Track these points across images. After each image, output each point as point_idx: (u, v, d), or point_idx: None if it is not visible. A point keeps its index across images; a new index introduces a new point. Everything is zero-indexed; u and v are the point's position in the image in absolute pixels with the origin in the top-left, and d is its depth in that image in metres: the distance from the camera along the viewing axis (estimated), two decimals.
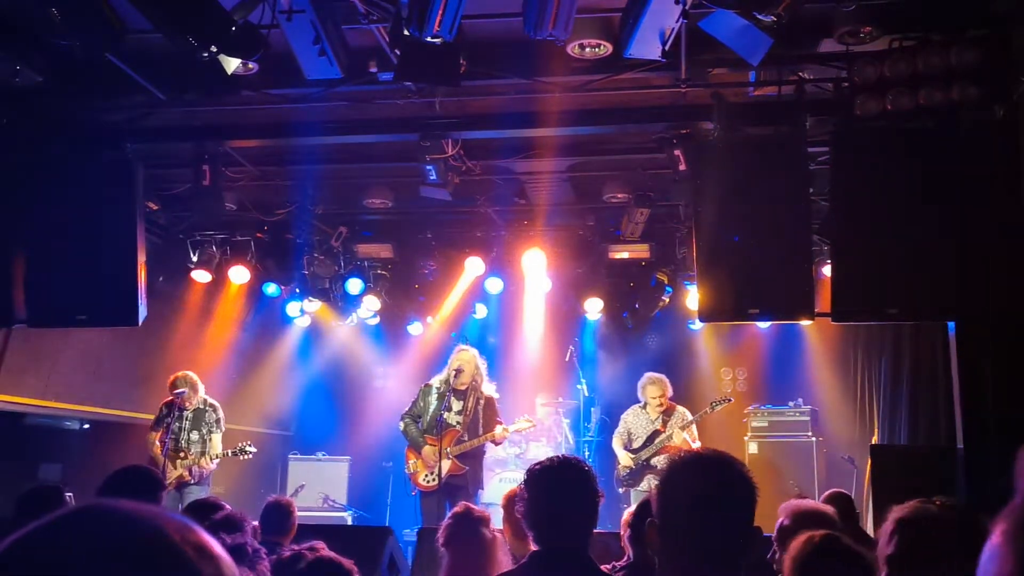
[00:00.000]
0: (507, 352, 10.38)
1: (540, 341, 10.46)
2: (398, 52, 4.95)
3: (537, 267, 9.01)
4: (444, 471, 7.35)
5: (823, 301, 5.69)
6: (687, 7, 4.44)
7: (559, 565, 2.80)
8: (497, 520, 4.35)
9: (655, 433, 8.28)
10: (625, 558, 3.90)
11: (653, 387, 8.35)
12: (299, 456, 10.48)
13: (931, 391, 7.51)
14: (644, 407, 8.44)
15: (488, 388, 7.81)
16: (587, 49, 5.34)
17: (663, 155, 6.28)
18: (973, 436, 5.16)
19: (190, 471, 7.39)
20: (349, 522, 9.75)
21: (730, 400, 8.71)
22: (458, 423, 7.58)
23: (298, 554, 3.21)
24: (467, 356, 7.73)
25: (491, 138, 6.69)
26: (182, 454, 7.43)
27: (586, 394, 10.03)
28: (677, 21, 4.56)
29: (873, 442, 8.64)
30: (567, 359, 10.14)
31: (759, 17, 4.26)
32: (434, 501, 7.38)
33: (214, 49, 4.45)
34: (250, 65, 5.32)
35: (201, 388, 7.72)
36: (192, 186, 6.69)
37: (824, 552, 2.32)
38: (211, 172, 6.53)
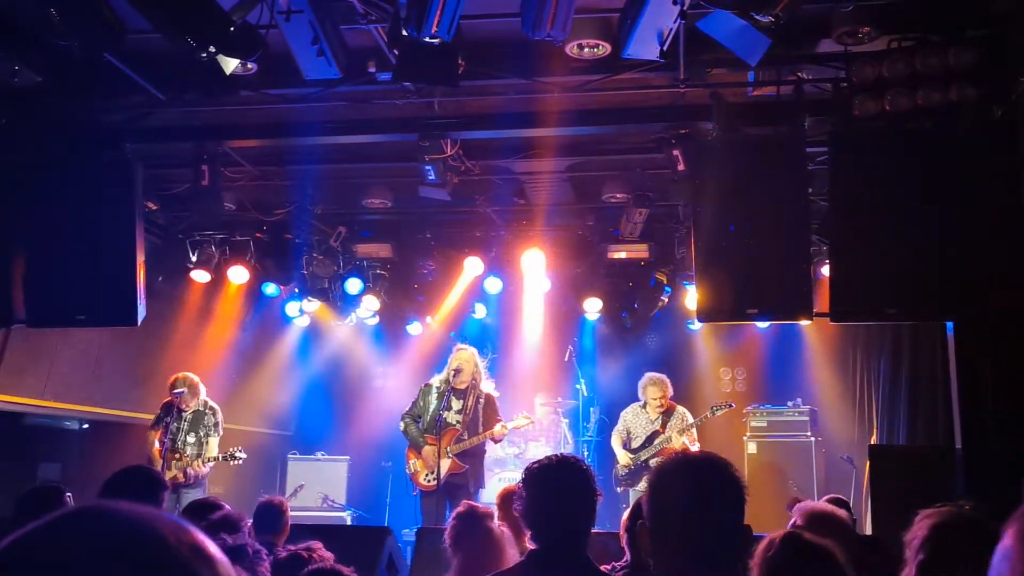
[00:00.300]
0: (506, 352, 10.37)
1: (539, 341, 10.47)
2: (397, 52, 4.95)
3: (536, 267, 9.01)
4: (444, 470, 7.36)
5: (822, 301, 5.69)
6: (685, 8, 4.44)
7: (557, 564, 2.81)
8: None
9: (654, 434, 8.29)
10: (625, 559, 3.90)
11: (654, 388, 8.34)
12: (298, 456, 10.48)
13: (930, 391, 7.52)
14: (644, 406, 8.44)
15: (487, 386, 7.81)
16: (586, 49, 5.34)
17: (662, 155, 6.28)
18: (972, 436, 5.16)
19: (184, 473, 7.38)
20: (348, 522, 9.75)
21: (731, 406, 8.65)
22: (458, 422, 7.59)
23: (295, 555, 3.21)
24: (466, 356, 7.73)
25: (490, 138, 6.69)
26: (177, 455, 7.43)
27: (585, 394, 10.04)
28: (675, 21, 4.56)
29: (872, 442, 8.64)
30: (566, 359, 10.15)
31: (757, 18, 4.26)
32: (434, 501, 7.38)
33: (213, 49, 4.45)
34: (249, 65, 5.32)
35: (202, 391, 7.72)
36: (191, 186, 6.69)
37: (789, 552, 2.31)
38: (210, 172, 6.53)
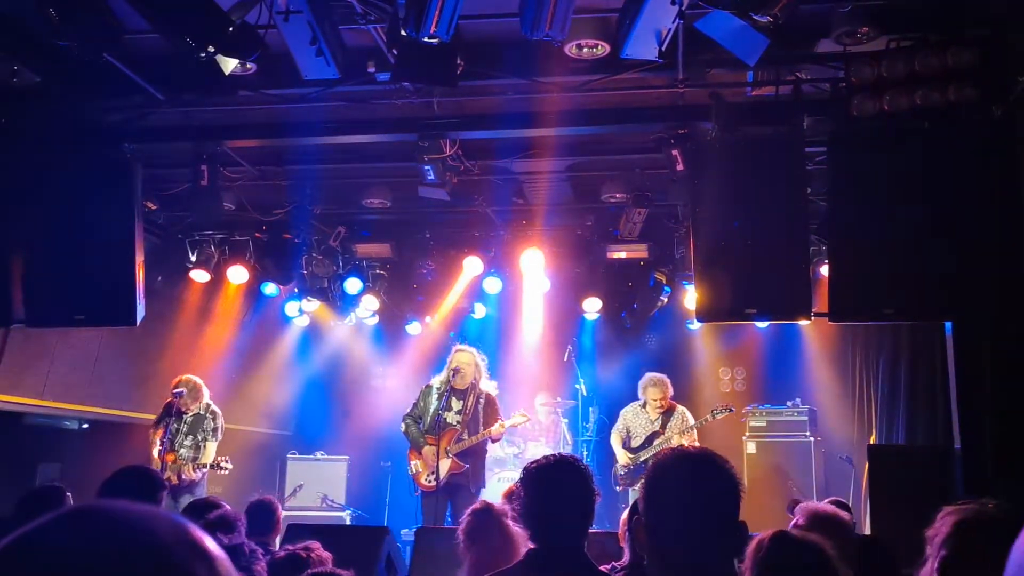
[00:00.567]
0: (506, 352, 10.37)
1: (539, 341, 10.47)
2: (395, 52, 4.95)
3: (535, 267, 9.01)
4: (444, 470, 7.36)
5: (821, 301, 5.69)
6: (683, 8, 4.44)
7: (556, 563, 2.81)
8: None
9: (654, 434, 8.29)
10: (624, 558, 3.90)
11: (654, 389, 8.35)
12: (298, 456, 10.48)
13: (929, 391, 7.51)
14: (644, 406, 8.44)
15: (488, 386, 7.82)
16: (585, 49, 5.34)
17: (661, 155, 6.28)
18: (970, 436, 5.16)
19: (178, 475, 7.37)
20: (348, 522, 9.75)
21: (731, 410, 8.64)
22: (457, 422, 7.59)
23: (294, 554, 3.21)
24: (465, 356, 7.74)
25: (489, 138, 6.69)
26: (172, 457, 7.42)
27: (584, 394, 10.04)
28: (673, 21, 4.56)
29: (871, 442, 8.64)
30: (566, 359, 10.15)
31: (755, 18, 4.26)
32: (435, 501, 7.38)
33: (212, 49, 4.45)
34: (248, 65, 5.32)
35: (205, 394, 7.71)
36: (190, 186, 6.69)
37: (779, 551, 2.31)
38: (209, 172, 6.53)
